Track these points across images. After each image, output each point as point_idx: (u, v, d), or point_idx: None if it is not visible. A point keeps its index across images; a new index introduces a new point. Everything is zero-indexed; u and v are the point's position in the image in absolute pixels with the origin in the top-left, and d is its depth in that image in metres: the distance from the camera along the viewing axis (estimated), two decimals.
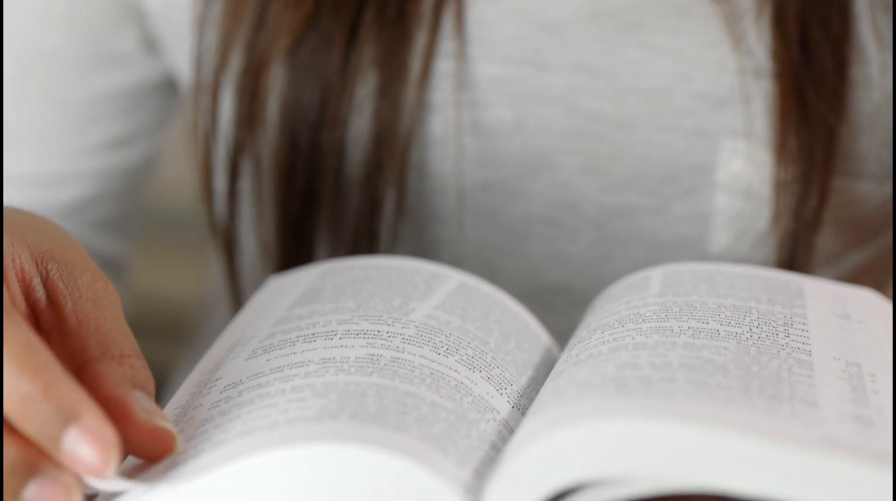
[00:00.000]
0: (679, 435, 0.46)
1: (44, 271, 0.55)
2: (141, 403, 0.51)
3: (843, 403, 0.50)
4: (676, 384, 0.50)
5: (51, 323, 0.54)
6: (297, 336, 0.58)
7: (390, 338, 0.57)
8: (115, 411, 0.50)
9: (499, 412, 0.55)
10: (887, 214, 0.75)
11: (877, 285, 0.78)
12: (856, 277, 0.77)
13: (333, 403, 0.51)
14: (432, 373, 0.55)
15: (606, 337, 0.56)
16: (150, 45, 0.79)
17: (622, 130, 0.73)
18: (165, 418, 0.51)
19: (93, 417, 0.48)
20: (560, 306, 0.77)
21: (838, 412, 0.49)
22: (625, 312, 0.59)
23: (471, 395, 0.55)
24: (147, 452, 0.51)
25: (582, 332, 0.60)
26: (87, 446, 0.48)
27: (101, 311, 0.54)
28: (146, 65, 0.80)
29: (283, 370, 0.55)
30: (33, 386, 0.48)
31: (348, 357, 0.55)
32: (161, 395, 0.95)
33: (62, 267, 0.55)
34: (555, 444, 0.47)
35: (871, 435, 0.47)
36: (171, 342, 1.13)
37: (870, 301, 0.61)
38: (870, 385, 0.52)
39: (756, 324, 0.56)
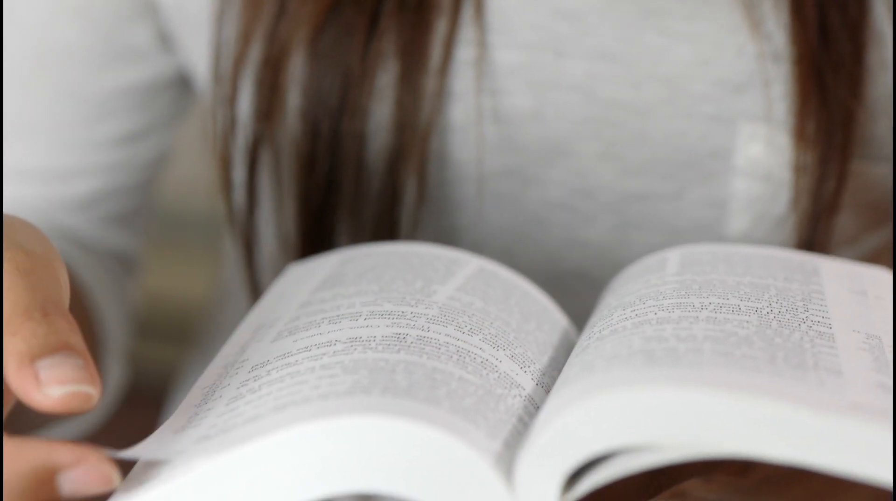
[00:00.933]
0: (710, 402, 0.47)
1: None
2: (43, 373, 0.50)
3: (867, 371, 0.51)
4: (703, 354, 0.50)
5: None
6: (322, 318, 0.59)
7: (415, 318, 0.58)
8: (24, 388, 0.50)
9: (524, 389, 0.55)
10: None
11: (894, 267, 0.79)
12: (873, 259, 0.78)
13: (365, 378, 0.52)
14: (458, 351, 0.56)
15: (629, 314, 0.57)
16: (165, 40, 0.80)
17: (641, 116, 0.74)
18: (82, 378, 0.50)
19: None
20: (579, 291, 0.77)
21: (864, 379, 0.50)
22: (645, 290, 0.59)
23: (496, 371, 0.55)
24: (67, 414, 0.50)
25: (602, 311, 0.60)
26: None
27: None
28: (160, 60, 0.81)
29: (310, 350, 0.56)
30: None
31: (374, 336, 0.56)
32: (170, 395, 0.95)
33: None
34: (586, 413, 0.48)
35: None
36: (179, 342, 1.13)
37: (885, 279, 0.62)
38: (890, 356, 0.52)
39: (775, 300, 0.57)
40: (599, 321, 0.58)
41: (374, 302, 0.60)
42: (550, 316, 0.64)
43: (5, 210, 0.79)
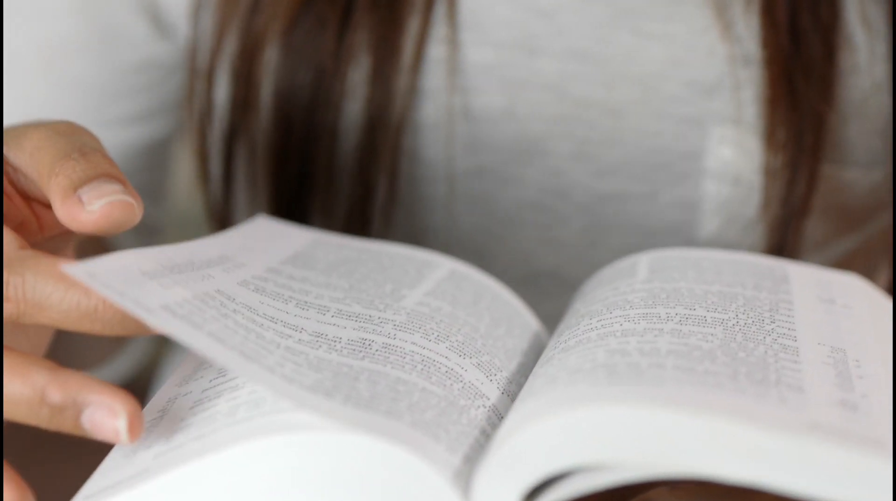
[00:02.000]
0: (670, 421, 0.47)
1: None
2: (85, 196, 0.53)
3: (829, 387, 0.50)
4: (666, 370, 0.50)
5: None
6: (290, 296, 0.59)
7: (382, 324, 0.58)
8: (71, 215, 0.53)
9: (488, 399, 0.55)
10: (876, 201, 0.76)
11: (867, 273, 0.78)
12: (845, 264, 0.78)
13: (328, 380, 0.52)
14: (423, 360, 0.55)
15: (595, 324, 0.56)
16: (163, 29, 0.80)
17: (613, 116, 0.74)
18: (122, 192, 0.53)
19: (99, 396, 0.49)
20: (552, 292, 0.77)
21: (825, 396, 0.49)
22: (613, 298, 0.59)
23: (461, 381, 0.55)
24: (121, 220, 0.53)
25: (570, 318, 0.60)
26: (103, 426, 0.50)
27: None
28: (161, 47, 0.80)
29: (276, 323, 0.55)
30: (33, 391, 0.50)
31: (340, 337, 0.56)
32: (152, 390, 0.95)
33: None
34: (545, 430, 0.48)
35: (856, 420, 0.48)
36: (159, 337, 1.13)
37: (854, 286, 0.62)
38: (854, 370, 0.52)
39: (742, 310, 0.56)
40: (566, 330, 0.58)
41: (342, 300, 0.59)
42: (521, 320, 0.63)
43: None
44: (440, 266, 0.65)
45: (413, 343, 0.57)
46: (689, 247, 0.74)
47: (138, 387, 0.97)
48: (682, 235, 0.76)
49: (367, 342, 0.56)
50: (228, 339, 0.51)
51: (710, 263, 0.62)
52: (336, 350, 0.55)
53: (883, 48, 0.72)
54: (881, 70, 0.73)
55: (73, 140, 0.56)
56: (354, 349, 0.55)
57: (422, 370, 0.55)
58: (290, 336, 0.55)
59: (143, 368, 0.91)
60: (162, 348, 0.95)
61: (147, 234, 0.86)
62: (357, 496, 0.49)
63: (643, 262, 0.64)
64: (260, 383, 0.49)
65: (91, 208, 0.53)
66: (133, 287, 0.51)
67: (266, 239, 0.65)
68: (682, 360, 0.51)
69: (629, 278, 0.62)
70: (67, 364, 0.59)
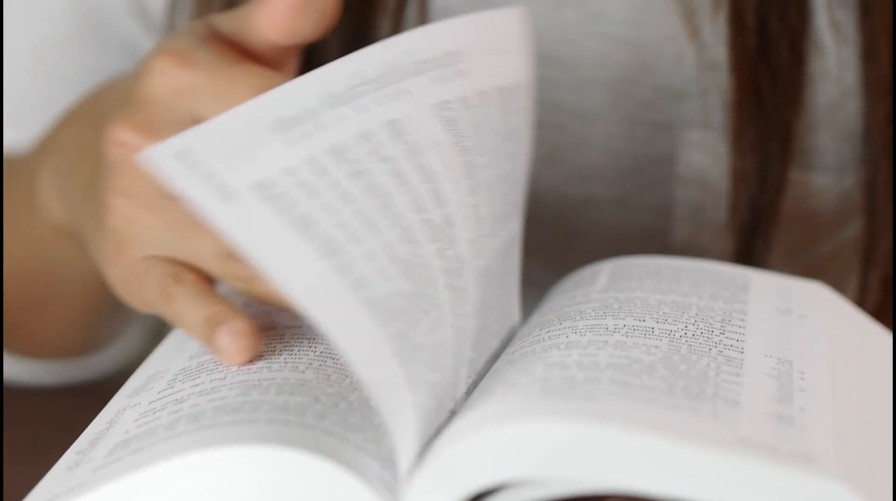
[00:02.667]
0: (597, 436, 0.46)
1: None
2: None
3: (766, 401, 0.49)
4: (601, 384, 0.49)
5: None
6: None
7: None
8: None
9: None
10: (846, 208, 0.75)
11: (839, 281, 0.77)
12: (817, 271, 0.77)
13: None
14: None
15: (543, 335, 0.56)
16: (150, 24, 0.80)
17: (584, 121, 0.73)
18: None
19: None
20: (525, 297, 0.76)
21: (759, 411, 0.49)
22: (567, 308, 0.58)
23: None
24: None
25: (524, 327, 0.59)
26: None
27: None
28: (148, 43, 0.80)
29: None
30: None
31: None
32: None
33: None
34: (475, 444, 0.47)
35: (790, 434, 0.47)
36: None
37: (817, 295, 0.61)
38: (797, 382, 0.51)
39: (693, 321, 0.56)
40: (517, 341, 0.58)
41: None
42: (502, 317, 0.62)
43: None
44: None
45: None
46: (657, 255, 0.73)
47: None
48: (654, 241, 0.75)
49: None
50: (320, 222, 0.47)
51: (670, 271, 0.61)
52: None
53: (852, 54, 0.72)
54: (850, 76, 0.72)
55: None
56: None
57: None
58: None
59: (136, 359, 0.92)
60: (157, 339, 0.95)
61: None
62: None
63: (605, 270, 0.63)
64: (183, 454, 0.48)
65: None
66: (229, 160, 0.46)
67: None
68: (620, 373, 0.50)
69: (587, 287, 0.61)
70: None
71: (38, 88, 0.81)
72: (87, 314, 0.82)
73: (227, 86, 0.55)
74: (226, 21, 0.58)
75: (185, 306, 0.55)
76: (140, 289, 0.57)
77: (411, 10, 0.73)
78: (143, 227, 0.56)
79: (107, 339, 0.86)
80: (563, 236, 0.76)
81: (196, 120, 0.54)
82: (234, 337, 0.53)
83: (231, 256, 0.54)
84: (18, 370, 0.85)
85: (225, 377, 0.53)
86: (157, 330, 0.92)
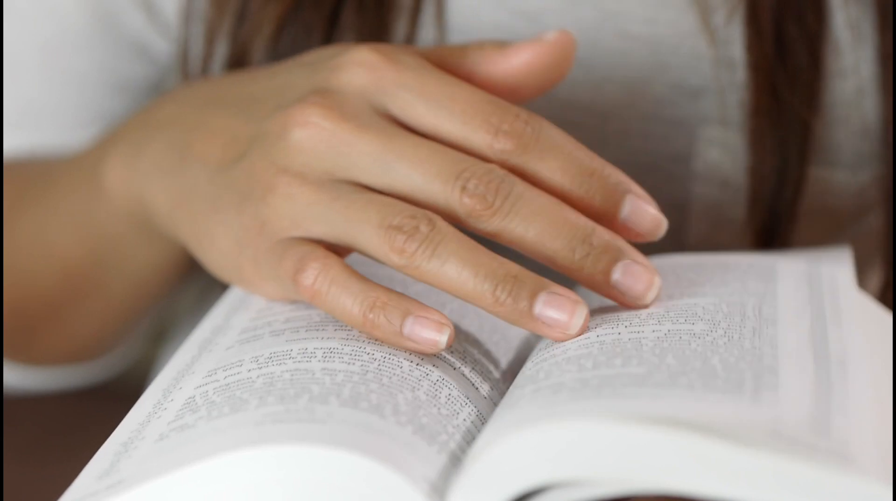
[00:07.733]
0: (640, 435, 0.47)
1: None
2: None
3: (804, 396, 0.50)
4: (645, 386, 0.50)
5: None
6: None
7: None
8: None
9: (474, 407, 0.55)
10: (863, 202, 0.76)
11: (857, 276, 0.78)
12: None
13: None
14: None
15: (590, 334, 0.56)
16: (158, 24, 0.80)
17: (600, 118, 0.74)
18: None
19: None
20: None
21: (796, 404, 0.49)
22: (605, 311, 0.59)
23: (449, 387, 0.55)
24: None
25: None
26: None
27: None
28: (156, 42, 0.80)
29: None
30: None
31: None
32: (144, 389, 0.96)
33: None
34: (516, 446, 0.48)
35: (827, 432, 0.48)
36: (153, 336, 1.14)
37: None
38: (836, 374, 0.52)
39: (725, 316, 0.56)
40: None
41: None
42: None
43: None
44: None
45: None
46: (672, 253, 0.74)
47: (133, 385, 0.98)
48: (670, 238, 0.75)
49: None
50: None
51: (691, 270, 0.62)
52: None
53: (868, 51, 0.72)
54: (866, 72, 0.72)
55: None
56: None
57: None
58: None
59: (136, 364, 0.92)
60: (158, 344, 0.95)
61: None
62: None
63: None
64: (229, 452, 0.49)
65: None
66: None
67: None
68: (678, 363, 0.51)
69: None
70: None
71: (46, 88, 0.81)
72: (124, 310, 0.81)
73: (436, 87, 0.58)
74: (430, 52, 0.61)
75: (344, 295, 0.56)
76: (275, 267, 0.57)
77: (427, 12, 0.73)
78: (304, 204, 0.57)
79: (114, 343, 0.86)
80: None
81: (386, 115, 0.58)
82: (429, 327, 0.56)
83: (392, 227, 0.55)
84: (21, 379, 0.85)
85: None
86: (157, 334, 0.93)
